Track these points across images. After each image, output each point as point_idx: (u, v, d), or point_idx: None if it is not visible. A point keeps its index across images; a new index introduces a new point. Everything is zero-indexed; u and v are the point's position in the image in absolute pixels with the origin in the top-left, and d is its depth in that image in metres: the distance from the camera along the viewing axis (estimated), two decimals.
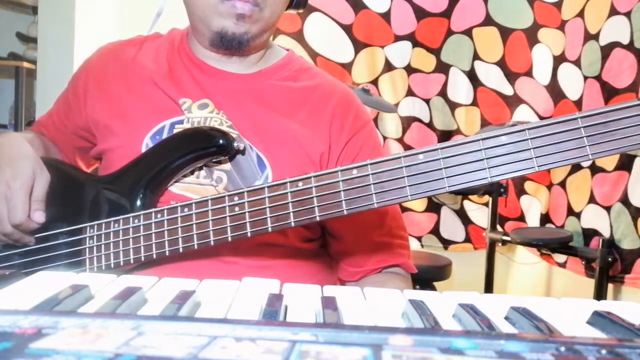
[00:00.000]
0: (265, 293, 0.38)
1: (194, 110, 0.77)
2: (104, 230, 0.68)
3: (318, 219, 0.57)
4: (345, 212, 0.56)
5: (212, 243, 0.62)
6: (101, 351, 0.24)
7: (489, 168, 0.52)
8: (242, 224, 0.60)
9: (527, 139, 0.51)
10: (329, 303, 0.36)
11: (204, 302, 0.38)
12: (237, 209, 0.60)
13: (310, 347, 0.25)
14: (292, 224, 0.58)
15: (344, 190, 0.56)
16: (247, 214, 0.59)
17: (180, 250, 0.63)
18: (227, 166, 0.74)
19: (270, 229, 0.58)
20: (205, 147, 0.70)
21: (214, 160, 0.72)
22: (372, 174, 0.55)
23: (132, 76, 0.81)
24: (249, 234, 0.59)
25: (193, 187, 0.73)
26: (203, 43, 0.80)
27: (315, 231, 0.80)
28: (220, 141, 0.69)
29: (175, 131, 0.76)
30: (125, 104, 0.79)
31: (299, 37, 2.33)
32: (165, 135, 0.76)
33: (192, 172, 0.73)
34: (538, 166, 0.50)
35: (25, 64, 2.29)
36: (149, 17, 2.22)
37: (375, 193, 0.55)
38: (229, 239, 0.60)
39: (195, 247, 0.62)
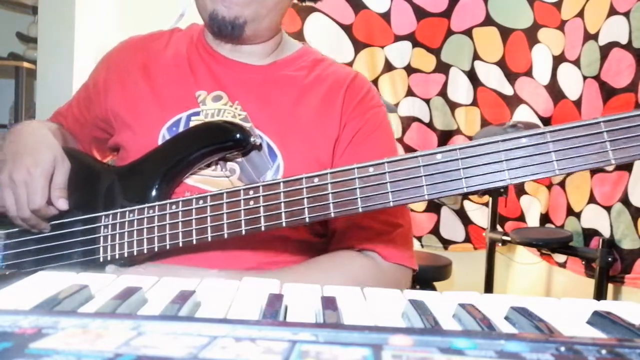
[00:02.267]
0: (265, 293, 0.38)
1: (208, 103, 0.78)
2: (118, 219, 0.69)
3: (333, 215, 0.57)
4: (360, 210, 0.56)
5: (225, 236, 0.62)
6: (101, 351, 0.24)
7: (508, 170, 0.51)
8: (257, 217, 0.60)
9: (547, 142, 0.50)
10: (329, 303, 0.36)
11: (204, 302, 0.38)
12: (252, 202, 0.60)
13: (310, 347, 0.25)
14: (307, 220, 0.58)
15: (359, 188, 0.55)
16: (261, 208, 0.60)
17: (194, 242, 0.64)
18: (239, 157, 0.74)
19: (284, 224, 0.59)
20: (222, 141, 0.71)
21: (229, 154, 0.73)
22: (389, 172, 0.54)
23: (151, 69, 0.82)
24: (262, 228, 0.60)
25: (208, 178, 0.74)
26: (210, 32, 0.81)
27: (326, 226, 0.80)
28: (237, 136, 0.70)
29: (191, 124, 0.76)
30: (144, 96, 0.80)
31: (299, 37, 2.33)
32: (181, 128, 0.76)
33: (208, 165, 0.74)
34: (558, 169, 0.49)
35: (25, 64, 2.29)
36: (149, 17, 2.22)
37: (392, 191, 0.54)
38: (243, 232, 0.61)
39: (209, 239, 0.63)
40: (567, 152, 0.50)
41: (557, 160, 0.50)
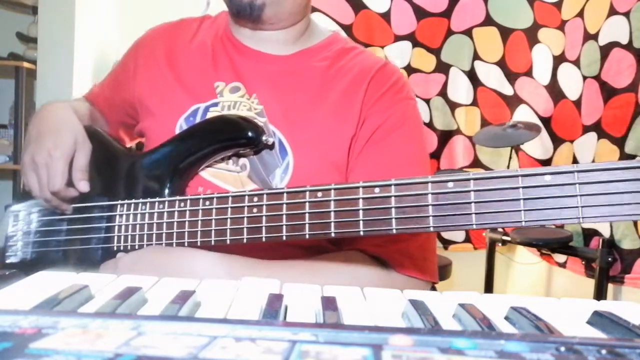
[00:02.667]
0: (265, 293, 0.38)
1: (225, 94, 0.76)
2: (132, 210, 0.69)
3: (333, 235, 0.53)
4: (361, 233, 0.52)
5: (228, 242, 0.61)
6: (101, 351, 0.24)
7: (524, 210, 0.45)
8: (259, 227, 0.58)
9: (575, 183, 0.44)
10: (329, 303, 0.36)
11: (204, 302, 0.38)
12: (255, 210, 0.58)
13: (310, 347, 0.25)
14: (307, 236, 0.55)
15: (362, 210, 0.51)
16: (264, 217, 0.57)
17: (198, 243, 0.63)
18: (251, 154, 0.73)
19: (284, 238, 0.56)
20: (234, 137, 0.70)
21: (242, 151, 0.72)
22: (395, 195, 0.50)
23: (176, 57, 0.81)
24: (263, 239, 0.57)
25: (222, 173, 0.73)
26: (231, 17, 0.80)
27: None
28: (250, 134, 0.69)
29: (208, 115, 0.75)
30: (166, 84, 0.79)
31: None
32: (198, 119, 0.75)
33: (222, 159, 0.73)
34: (582, 217, 0.43)
35: (25, 64, 2.29)
36: (148, 17, 2.22)
37: (395, 218, 0.50)
38: (245, 240, 0.59)
39: (212, 242, 0.62)
40: (597, 199, 0.43)
41: (582, 207, 0.43)
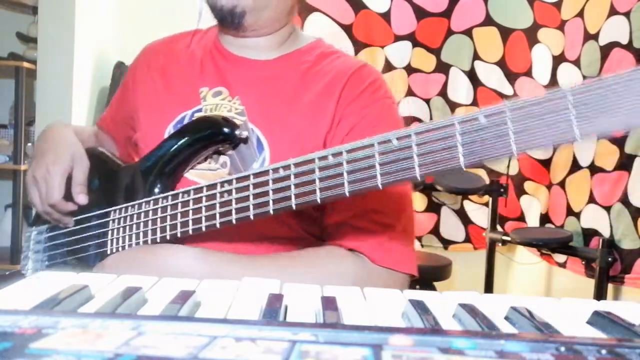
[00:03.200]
0: (265, 293, 0.38)
1: (208, 98, 0.80)
2: (123, 214, 0.73)
3: (294, 207, 0.57)
4: (318, 200, 0.55)
5: (203, 229, 0.63)
6: (101, 351, 0.24)
7: (463, 154, 0.47)
8: (229, 210, 0.61)
9: (506, 119, 0.45)
10: (329, 303, 0.36)
11: (204, 302, 0.38)
12: (225, 195, 0.62)
13: (310, 347, 0.25)
14: (271, 212, 0.58)
15: (318, 178, 0.55)
16: (233, 200, 0.61)
17: (179, 234, 0.66)
18: (230, 150, 0.76)
19: (252, 217, 0.59)
20: (211, 135, 0.74)
21: (221, 148, 0.75)
22: (347, 161, 0.53)
23: (168, 70, 0.85)
24: (233, 221, 0.61)
25: (204, 173, 0.76)
26: (217, 25, 0.83)
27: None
28: (225, 129, 0.72)
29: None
30: (157, 95, 0.83)
31: None
32: None
33: (205, 159, 0.76)
34: (516, 149, 0.45)
35: (25, 64, 2.28)
36: (148, 17, 2.23)
37: (348, 181, 0.53)
38: (217, 225, 0.62)
39: (190, 232, 0.65)
40: (528, 129, 0.44)
41: (515, 140, 0.45)
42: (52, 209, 0.77)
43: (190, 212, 0.65)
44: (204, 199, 0.64)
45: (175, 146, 0.75)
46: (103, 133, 0.96)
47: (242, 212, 0.60)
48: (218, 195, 0.62)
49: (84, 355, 0.23)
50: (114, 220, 0.74)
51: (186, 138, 0.74)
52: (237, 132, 0.72)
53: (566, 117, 0.43)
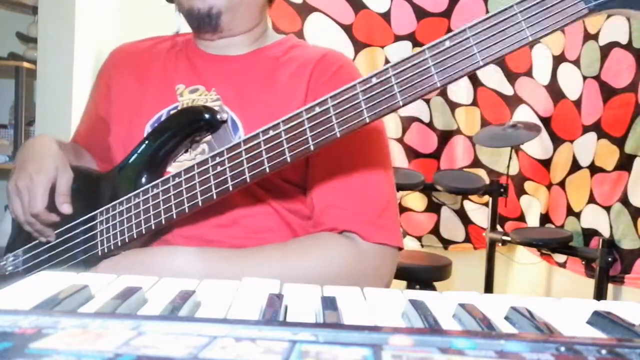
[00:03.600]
0: (265, 293, 0.38)
1: (185, 95, 0.81)
2: (111, 212, 0.73)
3: (289, 160, 0.60)
4: (311, 148, 0.59)
5: (200, 204, 0.65)
6: (101, 351, 0.24)
7: (436, 73, 0.55)
8: (224, 179, 0.64)
9: (469, 37, 0.54)
10: (329, 303, 0.36)
11: (204, 302, 0.38)
12: (219, 167, 0.64)
13: (310, 347, 0.25)
14: (267, 170, 0.61)
15: (308, 127, 0.59)
16: (227, 169, 0.64)
17: (174, 216, 0.67)
18: (208, 137, 0.78)
19: (248, 180, 0.62)
20: (193, 123, 0.75)
21: (203, 135, 0.77)
22: (332, 105, 0.58)
23: (141, 71, 0.86)
24: (230, 188, 0.63)
25: (185, 163, 0.76)
26: (194, 33, 0.86)
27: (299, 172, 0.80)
28: (206, 115, 0.75)
29: None
30: (132, 97, 0.84)
31: (298, 37, 2.32)
32: None
33: (186, 150, 0.78)
34: (482, 60, 0.53)
35: (25, 64, 2.28)
36: (148, 17, 2.22)
37: (337, 122, 0.58)
38: (214, 196, 0.64)
39: (187, 210, 0.66)
40: (489, 41, 0.53)
41: (479, 52, 0.53)
42: (34, 219, 0.76)
43: (184, 191, 0.66)
44: (196, 175, 0.65)
45: (158, 142, 0.75)
46: (81, 148, 0.95)
47: (239, 177, 0.63)
48: (211, 168, 0.64)
49: (84, 355, 0.23)
50: (101, 222, 0.74)
51: (169, 131, 0.75)
52: (218, 116, 0.75)
53: (517, 22, 0.53)
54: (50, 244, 0.79)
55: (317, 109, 0.58)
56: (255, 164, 0.62)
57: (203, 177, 0.65)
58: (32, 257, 0.81)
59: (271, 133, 0.61)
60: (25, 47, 2.50)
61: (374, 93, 0.56)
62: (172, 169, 0.76)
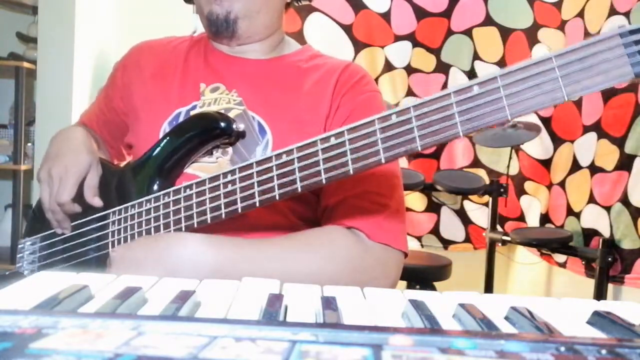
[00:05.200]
0: (265, 293, 0.38)
1: (207, 94, 0.82)
2: (123, 214, 0.74)
3: (299, 189, 0.58)
4: (324, 181, 0.57)
5: (209, 221, 0.65)
6: (101, 351, 0.24)
7: (460, 122, 0.50)
8: (234, 199, 0.62)
9: (499, 87, 0.49)
10: (329, 303, 0.36)
11: (204, 302, 0.38)
12: (229, 186, 0.63)
13: (310, 347, 0.25)
14: (277, 197, 0.59)
15: (322, 159, 0.57)
16: (238, 189, 0.62)
17: (183, 229, 0.67)
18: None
19: (257, 204, 0.61)
20: (208, 130, 0.75)
21: (220, 143, 0.76)
22: (349, 139, 0.55)
23: (163, 68, 0.87)
24: (239, 210, 0.62)
25: (204, 165, 0.77)
26: (211, 39, 0.86)
27: (314, 209, 0.81)
28: (221, 124, 0.74)
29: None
30: (153, 92, 0.85)
31: (299, 37, 2.33)
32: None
33: (204, 154, 0.77)
34: (510, 114, 0.49)
35: (25, 64, 2.28)
36: (148, 17, 2.22)
37: (352, 159, 0.55)
38: (223, 215, 0.64)
39: (195, 225, 0.66)
40: (520, 95, 0.49)
41: (508, 105, 0.49)
42: (58, 208, 0.78)
43: (194, 205, 0.66)
44: (207, 191, 0.65)
45: (172, 145, 0.75)
46: (98, 138, 0.96)
47: (248, 199, 0.61)
48: (222, 185, 0.63)
49: (84, 355, 0.23)
50: (113, 222, 0.75)
51: (182, 136, 0.75)
52: (234, 126, 0.74)
53: (553, 78, 0.47)
54: (65, 236, 0.81)
55: (333, 140, 0.56)
56: (265, 189, 0.60)
57: (213, 194, 0.64)
58: (49, 245, 0.83)
59: (284, 158, 0.59)
60: (25, 47, 2.50)
61: (392, 133, 0.53)
62: (191, 169, 0.77)
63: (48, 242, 0.83)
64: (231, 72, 0.83)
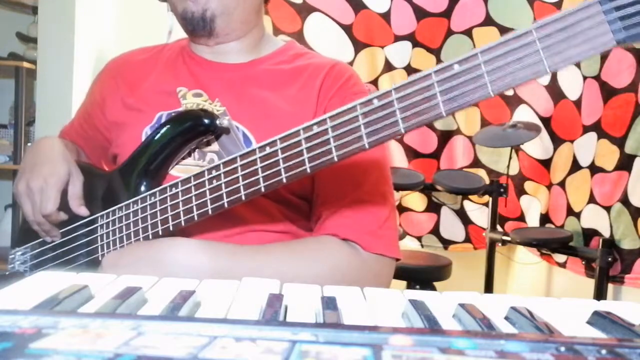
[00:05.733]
0: (265, 293, 0.38)
1: (189, 97, 0.80)
2: (110, 217, 0.73)
3: (285, 180, 0.57)
4: (308, 170, 0.56)
5: (195, 218, 0.64)
6: (101, 351, 0.24)
7: (442, 102, 0.50)
8: (220, 195, 0.62)
9: (480, 64, 0.48)
10: (329, 303, 0.36)
11: (204, 302, 0.38)
12: (214, 181, 0.62)
13: (310, 347, 0.25)
14: (262, 189, 0.59)
15: (305, 148, 0.56)
16: (223, 184, 0.62)
17: (170, 228, 0.66)
18: (216, 147, 0.77)
19: (243, 198, 0.60)
20: (192, 127, 0.74)
21: (204, 140, 0.75)
22: (331, 127, 0.54)
23: (139, 79, 0.86)
24: (225, 205, 0.62)
25: (189, 167, 0.76)
26: (189, 37, 0.85)
27: (305, 186, 0.80)
28: (205, 120, 0.73)
29: None
30: (132, 100, 0.84)
31: (299, 37, 2.33)
32: None
33: (189, 154, 0.77)
34: (492, 91, 0.48)
35: (25, 64, 2.28)
36: (148, 17, 2.22)
37: (335, 146, 0.54)
38: (210, 212, 0.63)
39: (183, 223, 0.65)
40: (503, 70, 0.47)
41: (490, 82, 0.48)
42: (44, 219, 0.77)
43: (181, 203, 0.65)
44: (192, 188, 0.64)
45: (156, 145, 0.74)
46: (78, 148, 0.95)
47: (234, 194, 0.61)
48: (207, 182, 0.63)
49: (84, 355, 0.23)
50: (102, 226, 0.74)
51: (166, 134, 0.74)
52: (217, 122, 0.73)
53: (534, 51, 0.46)
54: (54, 244, 0.80)
55: (316, 129, 0.55)
56: (250, 182, 0.59)
57: (199, 191, 0.63)
58: (39, 254, 0.82)
59: (268, 150, 0.58)
60: (25, 47, 2.50)
61: (374, 117, 0.52)
62: (176, 172, 0.76)
63: (38, 250, 0.83)
64: (212, 79, 0.82)
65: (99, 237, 0.74)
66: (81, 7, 2.06)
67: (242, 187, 0.60)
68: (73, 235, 0.78)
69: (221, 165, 0.62)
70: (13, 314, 0.28)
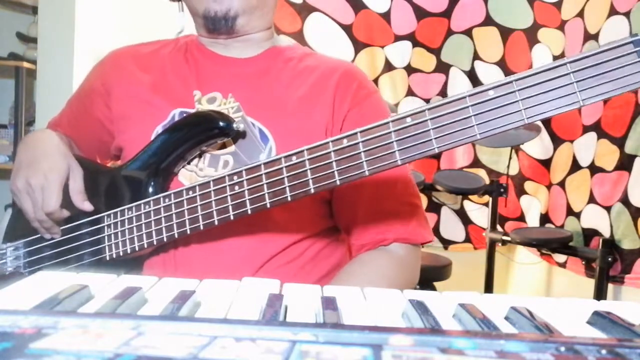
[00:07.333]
0: (265, 293, 0.38)
1: (203, 104, 0.80)
2: (119, 217, 0.72)
3: (312, 191, 0.58)
4: (337, 182, 0.57)
5: (216, 222, 0.64)
6: (101, 351, 0.24)
7: (477, 124, 0.51)
8: (242, 201, 0.62)
9: (515, 91, 0.50)
10: (329, 303, 0.36)
11: (204, 302, 0.38)
12: (237, 187, 0.62)
13: (310, 347, 0.25)
14: (289, 198, 0.59)
15: (335, 161, 0.57)
16: (246, 191, 0.62)
17: (188, 231, 0.66)
18: (232, 148, 0.76)
19: (268, 205, 0.60)
20: (206, 130, 0.73)
21: (218, 142, 0.75)
22: (362, 141, 0.55)
23: (152, 70, 0.84)
24: (249, 212, 0.62)
25: (192, 175, 0.76)
26: (203, 34, 0.84)
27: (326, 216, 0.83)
28: (221, 123, 0.72)
29: None
30: (144, 95, 0.82)
31: (299, 37, 2.32)
32: None
33: (199, 156, 0.76)
34: (527, 118, 0.50)
35: (25, 64, 2.28)
36: (148, 17, 2.22)
37: (366, 160, 0.55)
38: (231, 217, 0.63)
39: (201, 227, 0.65)
40: (536, 99, 0.50)
41: (525, 109, 0.50)
42: (46, 217, 0.75)
43: (199, 207, 0.65)
44: (212, 193, 0.64)
45: (168, 145, 0.74)
46: (71, 141, 0.92)
47: (258, 201, 0.61)
48: (228, 188, 0.62)
49: (84, 355, 0.23)
50: (109, 226, 0.73)
51: (183, 133, 0.73)
52: (234, 126, 0.72)
53: (568, 83, 0.49)
54: (54, 241, 0.78)
55: (346, 142, 0.56)
56: (276, 190, 0.59)
57: (220, 197, 0.63)
58: (35, 251, 0.80)
59: (294, 160, 0.58)
60: (25, 47, 2.50)
61: (407, 136, 0.53)
62: (182, 177, 0.75)
63: (34, 247, 0.80)
64: (225, 75, 0.81)
65: (106, 237, 0.73)
66: (81, 7, 2.06)
67: (267, 195, 0.60)
68: (77, 232, 0.76)
69: (243, 172, 0.61)
70: (13, 314, 0.28)
